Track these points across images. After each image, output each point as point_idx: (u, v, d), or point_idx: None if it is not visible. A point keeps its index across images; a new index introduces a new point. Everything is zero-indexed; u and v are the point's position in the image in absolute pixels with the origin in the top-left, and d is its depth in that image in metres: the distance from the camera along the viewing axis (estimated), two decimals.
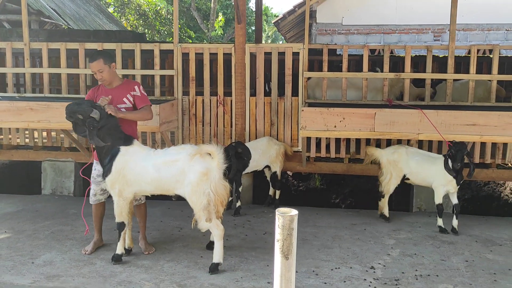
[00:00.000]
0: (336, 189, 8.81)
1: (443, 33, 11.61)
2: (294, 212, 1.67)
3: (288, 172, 9.11)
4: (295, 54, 5.89)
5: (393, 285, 3.82)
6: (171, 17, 18.87)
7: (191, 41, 18.62)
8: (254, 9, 24.63)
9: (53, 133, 6.31)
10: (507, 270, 4.12)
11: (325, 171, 6.19)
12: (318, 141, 6.08)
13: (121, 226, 4.11)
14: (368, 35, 11.85)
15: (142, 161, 3.96)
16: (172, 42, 6.07)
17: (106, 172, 3.97)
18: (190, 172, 3.85)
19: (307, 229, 5.15)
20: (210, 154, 3.92)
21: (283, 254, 1.68)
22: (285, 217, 1.65)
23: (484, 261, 4.33)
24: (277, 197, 5.92)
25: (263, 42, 30.28)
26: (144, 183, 3.99)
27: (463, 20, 11.41)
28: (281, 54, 5.96)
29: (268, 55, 6.00)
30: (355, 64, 7.94)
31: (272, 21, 15.01)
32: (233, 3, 17.08)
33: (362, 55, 5.86)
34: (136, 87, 4.26)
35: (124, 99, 4.22)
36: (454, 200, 5.04)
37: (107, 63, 4.14)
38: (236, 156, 5.34)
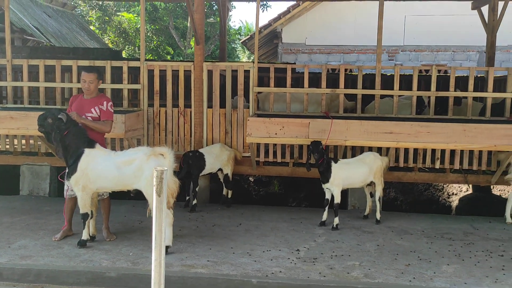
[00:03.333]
0: (293, 193, 9.69)
1: (396, 53, 12.69)
2: (165, 168, 2.48)
3: (250, 178, 9.97)
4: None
5: (310, 262, 4.63)
6: (151, 35, 19.78)
7: (169, 58, 19.50)
8: (235, 27, 25.75)
9: (31, 141, 7.03)
10: (409, 252, 4.97)
11: (272, 173, 7.02)
12: (268, 147, 6.91)
13: (85, 216, 4.85)
14: (329, 54, 12.88)
15: (104, 161, 4.72)
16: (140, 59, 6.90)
17: (71, 171, 4.73)
18: (146, 169, 4.64)
19: (251, 222, 5.95)
20: (163, 155, 4.73)
21: (157, 193, 2.47)
22: (158, 171, 2.44)
23: (393, 245, 5.18)
24: (229, 196, 6.72)
25: (247, 59, 31.38)
26: (105, 180, 4.75)
27: (415, 42, 12.57)
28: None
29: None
30: (316, 80, 8.81)
31: (241, 41, 15.99)
32: (211, 22, 18.03)
33: (321, 72, 6.75)
34: (105, 102, 5.06)
35: (92, 110, 5.02)
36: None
37: (98, 79, 5.02)
38: (190, 162, 6.18)
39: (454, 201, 9.09)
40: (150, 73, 6.94)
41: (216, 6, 16.45)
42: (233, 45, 25.47)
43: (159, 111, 6.93)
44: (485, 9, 8.77)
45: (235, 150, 6.71)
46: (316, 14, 12.85)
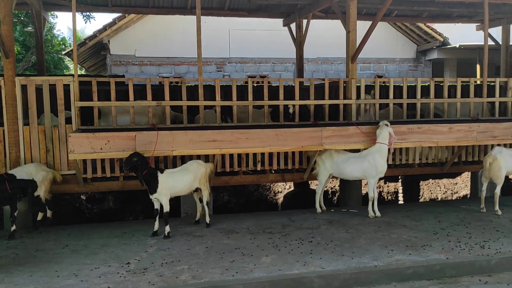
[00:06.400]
0: (130, 207, 9.55)
1: (224, 65, 13.47)
2: None
3: (82, 196, 9.51)
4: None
5: (141, 273, 4.68)
6: None
7: None
8: (59, 36, 23.96)
9: None
10: (234, 249, 5.38)
11: (102, 189, 6.85)
12: (96, 163, 6.70)
13: None
14: (160, 66, 13.02)
15: None
16: None
17: None
18: None
19: (80, 242, 5.73)
20: None
21: None
22: None
23: (220, 245, 5.54)
24: (48, 215, 6.35)
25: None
26: None
27: (240, 54, 13.51)
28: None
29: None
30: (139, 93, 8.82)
31: (64, 52, 15.11)
32: (30, 32, 16.51)
33: (145, 84, 6.77)
34: None
35: None
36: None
37: None
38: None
39: (280, 198, 10.06)
40: None
41: None
42: (59, 56, 23.73)
43: None
44: (294, 26, 9.95)
45: (53, 171, 6.35)
46: (144, 26, 12.86)
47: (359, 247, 5.41)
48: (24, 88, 6.39)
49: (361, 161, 6.62)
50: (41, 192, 6.11)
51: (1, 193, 5.72)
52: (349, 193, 7.68)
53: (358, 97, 7.55)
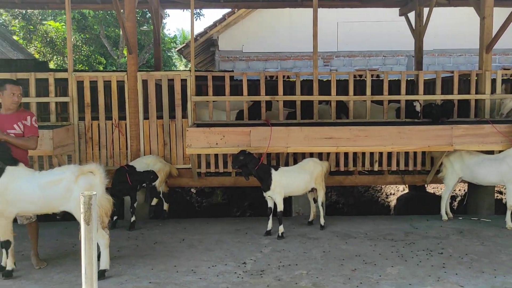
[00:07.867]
0: (237, 202, 9.56)
1: (331, 59, 12.99)
2: (93, 193, 2.26)
3: (192, 190, 9.72)
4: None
5: (258, 275, 4.50)
6: (80, 44, 18.90)
7: (102, 68, 18.75)
8: (170, 35, 25.30)
9: None
10: (354, 256, 4.98)
11: (215, 184, 6.84)
12: (209, 158, 6.71)
13: (7, 244, 4.40)
14: (267, 61, 12.94)
15: (26, 182, 4.30)
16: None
17: None
18: (75, 190, 4.30)
19: (195, 237, 5.73)
20: (92, 172, 4.41)
21: (85, 221, 2.25)
22: (86, 196, 2.22)
23: (338, 250, 5.17)
24: (165, 208, 6.51)
25: (184, 68, 30.93)
26: (27, 202, 4.31)
27: (348, 48, 12.94)
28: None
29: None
30: (255, 88, 8.70)
31: (176, 49, 15.72)
32: (145, 31, 17.54)
33: (259, 79, 6.64)
34: (28, 117, 4.65)
35: (15, 126, 4.58)
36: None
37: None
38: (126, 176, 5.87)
39: (392, 201, 9.38)
40: (80, 84, 6.53)
41: (149, 14, 16.08)
42: (168, 54, 25.05)
43: (91, 124, 6.54)
44: (411, 15, 9.18)
45: (171, 165, 6.46)
46: (252, 22, 12.88)
47: (501, 263, 4.70)
48: (144, 83, 6.57)
49: (498, 164, 5.81)
50: (157, 182, 6.24)
51: (122, 184, 5.92)
52: (479, 199, 6.83)
53: (493, 91, 6.68)
